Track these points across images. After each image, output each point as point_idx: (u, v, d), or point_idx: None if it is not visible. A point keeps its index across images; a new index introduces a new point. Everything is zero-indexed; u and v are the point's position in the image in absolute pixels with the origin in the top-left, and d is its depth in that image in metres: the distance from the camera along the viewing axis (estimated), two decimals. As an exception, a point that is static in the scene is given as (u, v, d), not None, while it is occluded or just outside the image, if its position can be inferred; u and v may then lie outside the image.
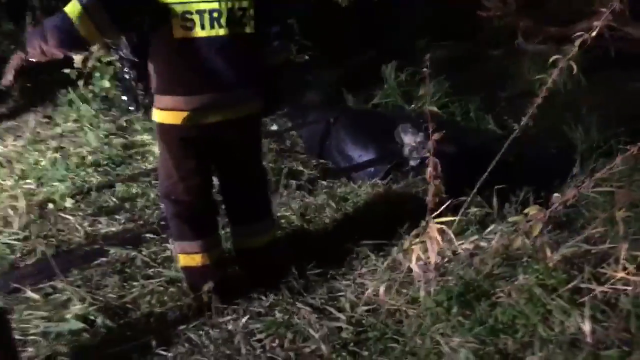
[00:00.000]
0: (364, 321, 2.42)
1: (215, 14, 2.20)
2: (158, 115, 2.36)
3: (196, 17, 2.18)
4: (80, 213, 3.41)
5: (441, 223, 2.04)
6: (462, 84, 6.08)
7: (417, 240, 2.09)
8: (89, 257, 2.97)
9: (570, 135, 4.94)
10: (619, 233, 1.99)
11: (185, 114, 2.28)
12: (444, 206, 2.12)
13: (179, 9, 2.17)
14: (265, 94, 2.50)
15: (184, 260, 2.57)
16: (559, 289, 1.96)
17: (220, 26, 2.22)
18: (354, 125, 4.50)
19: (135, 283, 2.74)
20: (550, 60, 2.54)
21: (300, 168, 4.38)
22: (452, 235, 2.12)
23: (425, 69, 2.03)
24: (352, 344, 2.30)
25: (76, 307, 2.53)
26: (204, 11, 2.18)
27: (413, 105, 5.96)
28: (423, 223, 2.12)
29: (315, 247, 3.02)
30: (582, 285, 1.97)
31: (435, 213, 2.09)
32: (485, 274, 2.29)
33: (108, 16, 2.10)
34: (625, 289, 1.91)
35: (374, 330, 2.34)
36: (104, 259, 2.95)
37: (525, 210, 1.96)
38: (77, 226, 3.25)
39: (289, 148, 4.92)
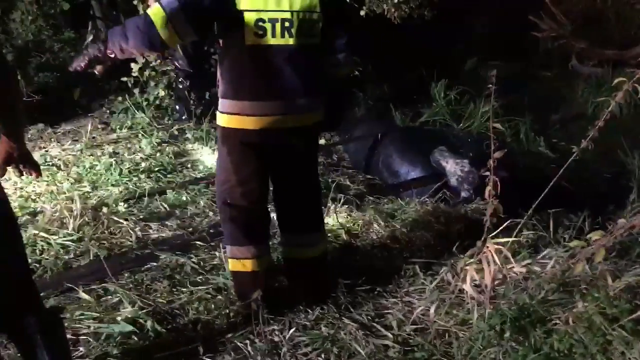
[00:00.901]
0: (411, 341, 2.39)
1: (287, 24, 2.25)
2: (222, 119, 2.41)
3: (268, 26, 2.23)
4: (133, 218, 3.47)
5: (498, 244, 1.99)
6: (513, 105, 5.99)
7: (472, 260, 2.04)
8: (140, 261, 3.02)
9: (626, 160, 4.80)
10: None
11: (249, 119, 2.33)
12: (503, 226, 2.06)
13: (253, 16, 2.22)
14: (328, 107, 2.52)
15: (234, 265, 2.59)
16: (621, 319, 1.89)
17: (291, 36, 2.26)
18: (403, 142, 4.49)
19: (183, 289, 2.76)
20: (614, 82, 2.46)
21: (347, 183, 4.39)
22: (511, 257, 2.07)
23: (490, 86, 2.00)
24: (399, 363, 2.27)
25: (127, 310, 2.56)
26: (277, 20, 2.24)
27: (461, 125, 5.92)
28: (479, 243, 2.07)
29: (361, 263, 3.01)
30: (646, 316, 1.89)
31: (494, 233, 2.05)
32: (539, 300, 2.22)
33: (188, 22, 2.18)
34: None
35: (422, 350, 2.30)
36: (154, 263, 2.99)
37: (588, 236, 1.89)
38: (129, 230, 3.32)
39: (335, 162, 4.93)
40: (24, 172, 1.97)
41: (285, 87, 2.34)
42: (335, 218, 3.41)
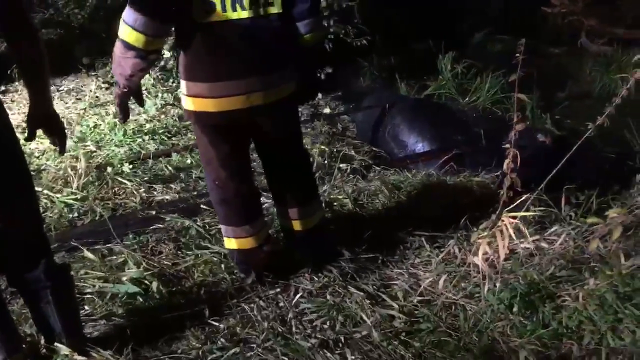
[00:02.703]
0: (417, 312, 2.38)
1: None
2: (185, 102, 2.26)
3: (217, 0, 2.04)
4: (137, 179, 3.45)
5: (514, 218, 1.97)
6: (520, 81, 5.89)
7: (486, 233, 2.02)
8: (145, 222, 3.01)
9: (632, 140, 4.76)
10: None
11: (209, 101, 2.17)
12: (520, 200, 2.04)
13: None
14: (298, 79, 2.36)
15: (231, 243, 2.54)
16: (634, 297, 1.89)
17: (243, 8, 2.07)
18: (411, 114, 4.43)
19: (189, 252, 2.76)
20: (635, 59, 2.42)
21: (352, 153, 4.35)
22: (526, 232, 2.05)
23: (517, 55, 1.95)
24: (404, 333, 2.27)
25: (132, 271, 2.56)
26: None
27: (467, 99, 5.87)
28: (493, 216, 2.06)
29: (367, 233, 2.99)
30: (660, 295, 1.88)
31: (510, 207, 2.03)
32: (548, 276, 2.22)
33: (152, 21, 1.98)
34: None
35: (427, 322, 2.30)
36: (159, 225, 2.97)
37: (608, 212, 1.88)
38: (134, 191, 3.30)
39: (340, 132, 4.88)
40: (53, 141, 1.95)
41: (245, 65, 2.15)
42: (342, 187, 3.38)
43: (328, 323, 2.33)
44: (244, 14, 2.08)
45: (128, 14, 1.98)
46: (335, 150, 4.19)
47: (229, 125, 2.25)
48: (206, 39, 2.10)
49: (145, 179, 3.48)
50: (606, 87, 5.98)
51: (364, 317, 2.34)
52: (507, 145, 2.04)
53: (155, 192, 3.37)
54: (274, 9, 2.14)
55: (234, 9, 2.06)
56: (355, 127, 4.94)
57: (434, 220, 3.03)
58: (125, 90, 2.11)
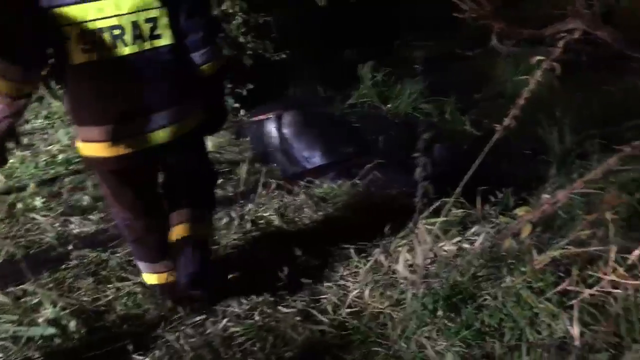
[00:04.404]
0: (347, 324, 2.38)
1: (116, 32, 1.89)
2: (79, 147, 2.11)
3: (95, 38, 1.88)
4: (51, 212, 3.28)
5: (429, 224, 2.01)
6: (438, 85, 6.08)
7: (404, 241, 2.05)
8: (61, 258, 2.85)
9: (545, 137, 4.97)
10: (609, 235, 1.97)
11: (103, 145, 2.00)
12: (435, 206, 2.08)
13: (73, 31, 1.86)
14: (205, 109, 2.24)
15: (150, 279, 2.47)
16: (547, 291, 1.95)
17: (125, 44, 1.92)
18: (301, 126, 4.43)
19: (110, 285, 2.64)
20: (535, 60, 2.51)
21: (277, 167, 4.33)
22: (442, 236, 2.09)
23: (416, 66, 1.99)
24: (335, 348, 2.26)
25: (47, 311, 2.42)
26: (102, 30, 1.88)
27: (389, 106, 6.00)
28: (410, 224, 2.08)
29: (295, 248, 2.97)
30: (570, 288, 1.95)
31: (424, 214, 2.06)
32: (470, 276, 2.27)
33: (15, 67, 1.86)
34: (614, 292, 1.90)
35: (357, 333, 2.31)
36: (76, 260, 2.83)
37: (515, 211, 1.94)
38: (48, 226, 3.13)
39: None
40: None
41: (133, 105, 1.99)
42: (267, 204, 3.35)
43: (257, 345, 2.29)
44: (127, 50, 1.93)
45: None
46: (259, 165, 4.16)
47: (128, 168, 2.10)
48: (88, 80, 1.96)
49: (60, 211, 3.30)
50: (516, 87, 6.25)
51: (294, 336, 2.31)
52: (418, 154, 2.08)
53: (72, 225, 3.20)
54: (163, 41, 2.00)
55: (115, 47, 1.92)
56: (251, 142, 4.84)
57: (360, 230, 3.04)
58: None
